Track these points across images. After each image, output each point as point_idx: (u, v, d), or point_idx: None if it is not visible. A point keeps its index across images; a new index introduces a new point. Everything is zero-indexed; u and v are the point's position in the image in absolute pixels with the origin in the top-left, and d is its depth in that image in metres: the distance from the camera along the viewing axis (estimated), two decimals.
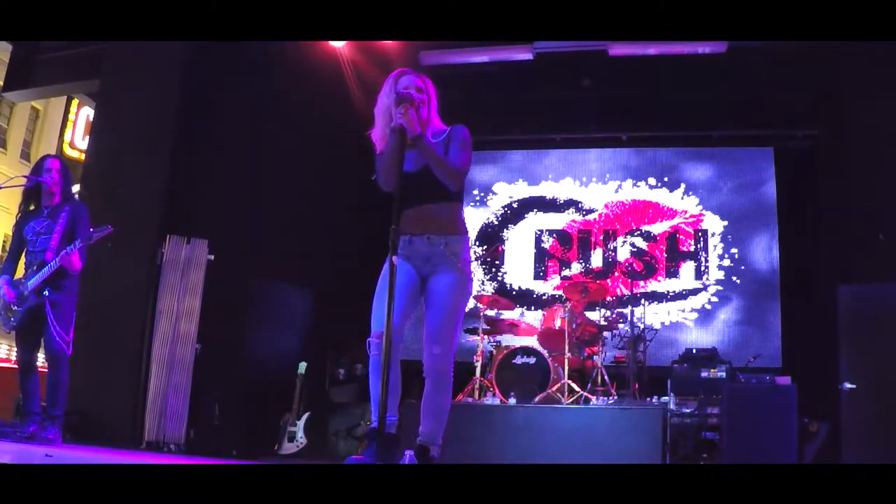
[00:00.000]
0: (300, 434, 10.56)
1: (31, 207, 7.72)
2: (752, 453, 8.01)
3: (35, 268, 7.36)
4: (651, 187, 13.41)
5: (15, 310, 7.39)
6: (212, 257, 10.42)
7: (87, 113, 24.13)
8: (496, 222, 13.90)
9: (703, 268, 12.94)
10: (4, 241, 29.29)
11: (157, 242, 10.34)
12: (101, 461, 5.15)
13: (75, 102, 25.97)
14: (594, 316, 10.93)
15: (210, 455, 9.20)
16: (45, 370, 7.45)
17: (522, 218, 13.82)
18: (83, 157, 14.12)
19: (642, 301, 11.70)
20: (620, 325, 10.74)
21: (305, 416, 10.71)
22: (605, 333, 10.70)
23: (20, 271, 7.60)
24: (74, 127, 26.73)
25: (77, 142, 26.17)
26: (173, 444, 9.91)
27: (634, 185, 13.51)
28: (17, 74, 13.27)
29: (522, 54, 11.51)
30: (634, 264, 12.45)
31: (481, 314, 10.65)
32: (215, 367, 10.53)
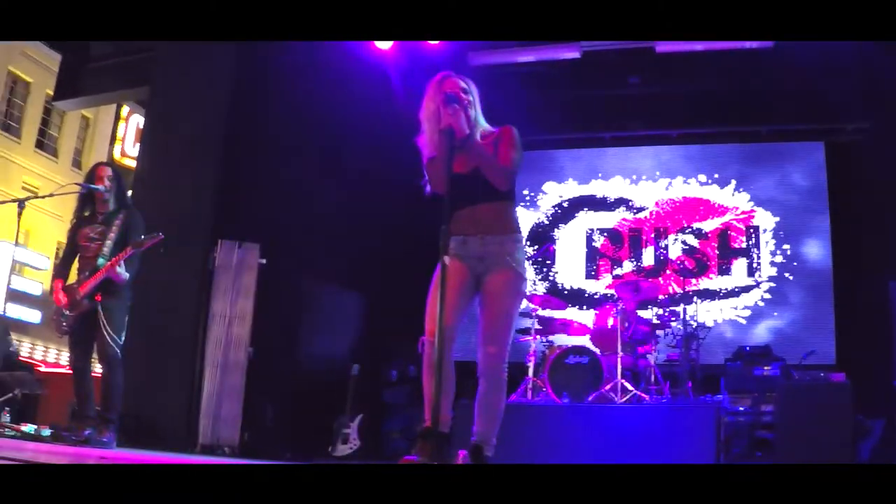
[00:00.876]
0: (354, 436, 10.59)
1: (87, 213, 7.78)
2: (807, 451, 7.88)
3: (87, 273, 7.42)
4: (701, 184, 13.33)
5: (68, 315, 7.46)
6: (263, 261, 10.46)
7: (137, 120, 24.33)
8: (547, 222, 13.86)
9: (755, 264, 12.84)
10: (58, 249, 29.60)
11: (209, 247, 10.40)
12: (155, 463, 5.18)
13: (125, 110, 26.20)
14: (646, 314, 10.87)
15: (264, 458, 9.24)
16: (100, 375, 7.52)
17: (573, 217, 13.78)
18: (134, 164, 14.22)
19: (694, 299, 11.63)
20: (673, 324, 10.66)
21: (359, 417, 10.74)
22: (658, 332, 10.63)
23: (73, 277, 7.67)
24: (125, 134, 26.98)
25: (128, 149, 26.40)
26: (227, 447, 9.96)
27: (685, 182, 13.43)
28: (67, 83, 13.41)
29: (570, 53, 11.48)
30: (686, 262, 12.36)
31: (533, 314, 10.62)
32: (268, 369, 10.58)
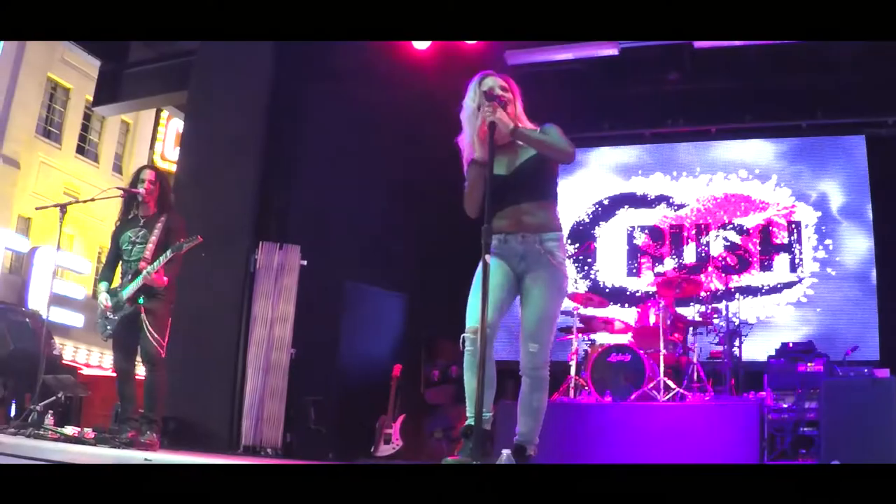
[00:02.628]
0: (396, 436, 10.61)
1: (130, 217, 7.82)
2: (852, 449, 7.83)
3: (129, 277, 7.48)
4: (742, 180, 13.23)
5: (111, 318, 7.51)
6: (304, 262, 10.50)
7: (177, 124, 24.47)
8: (587, 220, 13.82)
9: (797, 260, 12.73)
10: (100, 253, 29.82)
11: (250, 249, 10.45)
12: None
13: (164, 114, 26.36)
14: (689, 312, 10.82)
15: (306, 458, 9.26)
16: (143, 377, 7.57)
17: (613, 214, 13.73)
18: (174, 168, 14.32)
19: (737, 295, 11.54)
20: (715, 321, 10.60)
21: (401, 418, 10.75)
22: (701, 329, 10.57)
23: (117, 280, 7.72)
24: (165, 138, 27.16)
25: (168, 153, 26.59)
26: (270, 449, 10.01)
27: (725, 178, 13.34)
28: (106, 89, 13.52)
29: (608, 50, 11.42)
30: (728, 258, 12.28)
31: (575, 313, 10.59)
32: (310, 371, 10.63)
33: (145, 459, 4.67)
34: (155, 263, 7.34)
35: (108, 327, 7.55)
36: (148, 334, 7.34)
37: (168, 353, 7.52)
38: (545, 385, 5.22)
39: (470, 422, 4.76)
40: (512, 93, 5.33)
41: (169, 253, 7.30)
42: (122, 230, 7.76)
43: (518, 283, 5.24)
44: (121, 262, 7.72)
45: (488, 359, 4.84)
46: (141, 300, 7.39)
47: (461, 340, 4.97)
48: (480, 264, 4.66)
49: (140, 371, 7.66)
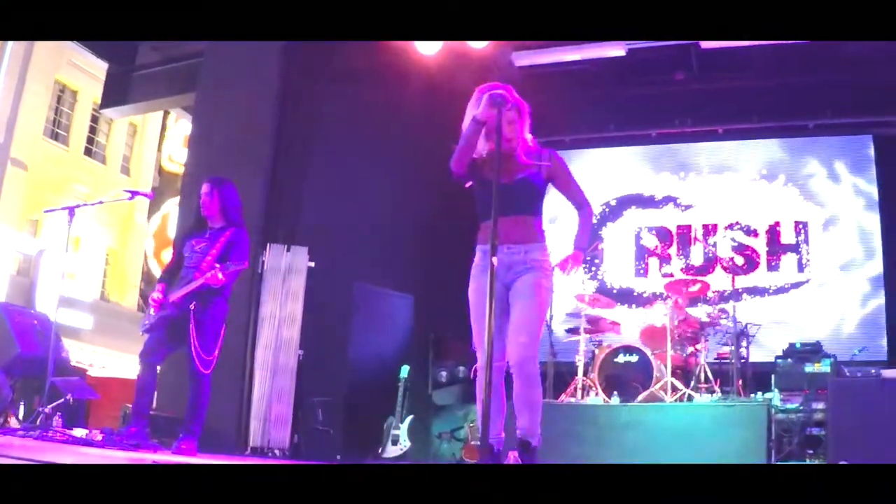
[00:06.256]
0: (404, 437, 10.62)
1: (197, 225, 7.77)
2: (859, 449, 7.83)
3: (185, 283, 7.45)
4: (750, 180, 13.24)
5: (152, 314, 7.50)
6: (312, 264, 10.51)
7: (185, 126, 24.52)
8: (594, 220, 13.79)
9: (804, 260, 12.73)
10: (107, 255, 29.86)
11: (258, 251, 10.46)
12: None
13: (172, 116, 26.40)
14: (696, 312, 10.81)
15: (314, 459, 9.27)
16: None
17: (620, 215, 13.74)
18: (182, 169, 14.33)
19: (744, 296, 11.56)
20: (723, 321, 10.60)
21: (409, 419, 10.76)
22: (708, 330, 10.57)
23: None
24: (172, 140, 27.21)
25: (175, 155, 26.64)
26: (278, 450, 10.01)
27: (732, 178, 13.34)
28: (113, 91, 13.56)
29: (615, 50, 11.43)
30: (735, 259, 12.28)
31: (582, 314, 10.59)
32: (318, 372, 10.63)
33: (153, 461, 4.68)
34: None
35: (147, 323, 7.53)
36: (192, 347, 7.28)
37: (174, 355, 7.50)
38: (538, 381, 5.32)
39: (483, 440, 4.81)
40: (520, 113, 5.42)
41: (230, 265, 7.22)
42: (188, 237, 7.75)
43: (507, 293, 5.37)
44: (181, 268, 7.68)
45: (497, 387, 5.17)
46: (192, 306, 7.35)
47: (472, 372, 5.05)
48: (475, 273, 4.80)
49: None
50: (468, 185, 5.41)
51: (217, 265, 7.18)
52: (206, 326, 7.39)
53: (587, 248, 5.67)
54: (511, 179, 5.31)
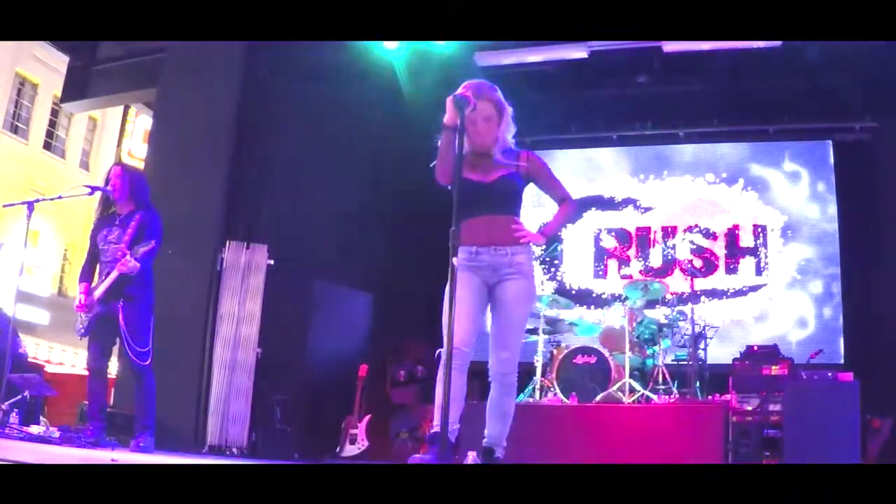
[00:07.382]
0: (361, 436, 10.61)
1: (106, 215, 7.68)
2: (815, 451, 7.91)
3: (103, 277, 7.37)
4: (709, 183, 13.28)
5: (84, 317, 7.43)
6: (271, 262, 10.49)
7: (145, 121, 24.32)
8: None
9: (763, 264, 12.79)
10: (66, 250, 29.66)
11: (218, 248, 10.42)
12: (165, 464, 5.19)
13: (133, 111, 26.17)
14: (654, 314, 10.85)
15: (272, 458, 9.25)
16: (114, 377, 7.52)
17: (580, 216, 13.74)
18: (142, 164, 14.23)
19: (702, 298, 11.61)
20: (681, 323, 10.65)
21: (367, 417, 10.75)
22: (666, 332, 10.61)
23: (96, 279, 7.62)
24: (132, 135, 26.97)
25: (135, 150, 26.38)
26: (235, 448, 10.00)
27: (692, 181, 13.39)
28: (74, 86, 13.45)
29: (577, 52, 11.47)
30: (694, 261, 12.32)
31: (541, 314, 10.61)
32: (276, 370, 10.61)
33: (111, 460, 4.66)
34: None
35: (81, 326, 7.45)
36: (125, 342, 7.25)
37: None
38: (514, 390, 5.34)
39: (436, 429, 4.78)
40: (500, 112, 5.40)
41: (138, 250, 7.16)
42: (99, 228, 7.61)
43: (489, 294, 5.34)
44: (98, 262, 7.61)
45: (461, 374, 5.05)
46: (120, 303, 7.29)
47: (437, 355, 4.98)
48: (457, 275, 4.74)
49: (113, 370, 7.59)
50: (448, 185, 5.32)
51: (128, 252, 7.12)
52: (135, 319, 7.34)
53: (549, 236, 5.68)
54: (489, 178, 5.32)
